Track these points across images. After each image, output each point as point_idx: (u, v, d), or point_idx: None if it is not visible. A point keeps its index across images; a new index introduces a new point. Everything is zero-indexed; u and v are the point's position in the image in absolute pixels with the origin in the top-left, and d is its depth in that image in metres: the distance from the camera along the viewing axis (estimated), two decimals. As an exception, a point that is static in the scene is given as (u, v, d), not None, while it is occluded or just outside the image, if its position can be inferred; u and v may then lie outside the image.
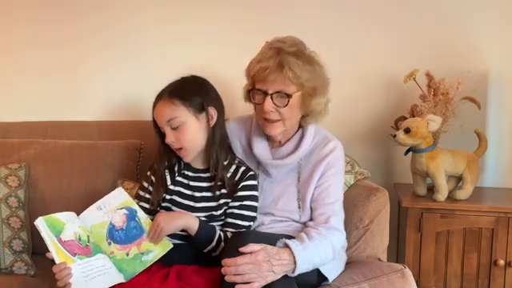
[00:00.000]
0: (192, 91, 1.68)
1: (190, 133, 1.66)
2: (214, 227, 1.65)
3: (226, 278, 1.46)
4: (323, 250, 1.59)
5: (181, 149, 1.67)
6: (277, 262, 1.49)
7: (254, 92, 1.69)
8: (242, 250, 1.47)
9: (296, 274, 1.52)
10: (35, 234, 1.98)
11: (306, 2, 2.36)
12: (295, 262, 1.50)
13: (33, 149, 2.08)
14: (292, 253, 1.51)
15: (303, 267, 1.52)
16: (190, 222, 1.61)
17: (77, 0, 2.39)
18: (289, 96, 1.64)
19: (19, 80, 2.42)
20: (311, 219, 1.71)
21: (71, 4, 2.39)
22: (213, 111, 1.70)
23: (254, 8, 2.36)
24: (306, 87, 1.65)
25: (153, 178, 1.76)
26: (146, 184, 1.77)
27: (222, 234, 1.65)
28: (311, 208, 1.72)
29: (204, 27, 2.39)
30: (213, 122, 1.70)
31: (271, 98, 1.64)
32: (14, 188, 1.95)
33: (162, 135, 1.69)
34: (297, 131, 1.78)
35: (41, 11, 2.39)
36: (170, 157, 1.74)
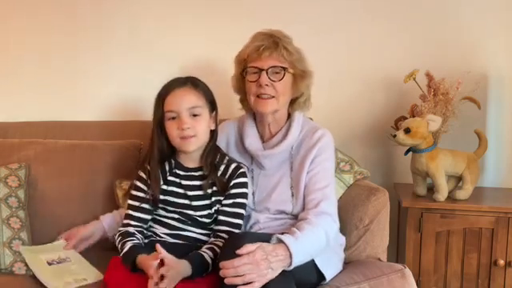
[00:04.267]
0: (209, 90, 1.74)
1: (204, 125, 1.70)
2: (204, 261, 1.61)
3: (226, 281, 1.46)
4: (316, 239, 1.60)
5: (192, 137, 1.67)
6: (274, 259, 1.49)
7: (247, 71, 1.75)
8: (239, 251, 1.47)
9: (293, 267, 1.52)
10: (35, 234, 1.98)
11: (306, 2, 2.36)
12: (291, 256, 1.51)
13: (33, 149, 2.08)
14: (287, 246, 1.51)
15: (299, 259, 1.53)
16: (184, 275, 1.57)
17: (77, 1, 2.40)
18: (285, 69, 1.71)
19: (19, 80, 2.42)
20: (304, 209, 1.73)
21: (71, 4, 2.39)
22: (217, 117, 1.76)
23: (255, 8, 2.37)
24: (296, 68, 1.74)
25: (144, 176, 1.74)
26: (139, 184, 1.75)
27: (210, 253, 1.63)
28: (304, 196, 1.74)
29: (204, 28, 2.39)
30: (215, 126, 1.75)
31: (266, 73, 1.71)
32: (14, 188, 1.95)
33: (162, 129, 1.70)
34: (285, 123, 1.82)
35: (40, 13, 2.39)
36: (163, 154, 1.74)
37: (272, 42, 1.71)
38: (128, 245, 1.67)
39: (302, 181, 1.74)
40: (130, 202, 1.75)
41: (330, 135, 1.81)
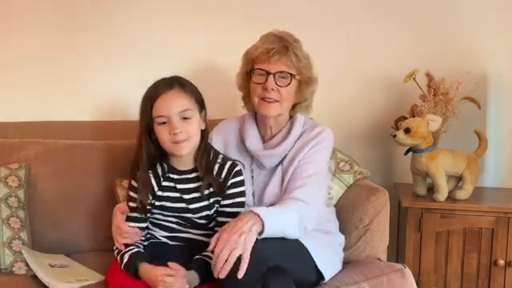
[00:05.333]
0: (196, 90, 1.70)
1: (196, 127, 1.66)
2: (209, 268, 1.57)
3: (221, 276, 1.45)
4: (286, 209, 1.60)
5: (185, 141, 1.64)
6: (241, 223, 1.48)
7: (254, 72, 1.74)
8: (210, 248, 1.48)
9: (268, 228, 1.50)
10: (35, 234, 1.99)
11: (306, 2, 2.36)
12: (259, 217, 1.50)
13: (33, 149, 2.08)
14: (250, 211, 1.52)
15: (270, 220, 1.50)
16: (193, 285, 1.59)
17: (77, 1, 2.40)
18: (292, 75, 1.71)
19: (19, 80, 2.41)
20: None
21: (71, 4, 2.39)
22: (206, 115, 1.72)
23: (255, 9, 2.36)
24: (303, 74, 1.74)
25: (137, 185, 1.71)
26: (133, 194, 1.72)
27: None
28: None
29: (205, 28, 2.39)
30: (205, 125, 1.72)
31: (274, 78, 1.70)
32: (14, 188, 1.95)
33: (149, 133, 1.66)
34: (286, 123, 1.82)
35: (40, 13, 2.39)
36: (152, 159, 1.70)
37: (282, 46, 1.70)
38: (126, 255, 1.66)
39: (290, 172, 1.73)
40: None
41: (330, 131, 1.81)
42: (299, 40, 1.77)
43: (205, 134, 1.72)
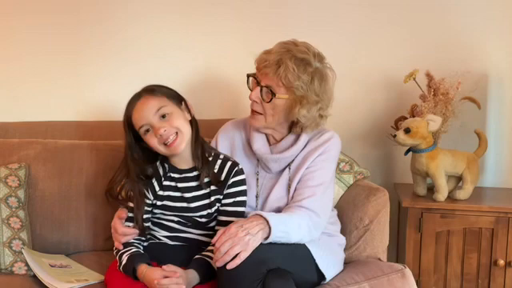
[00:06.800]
0: (165, 87, 1.73)
1: (179, 119, 1.68)
2: (210, 266, 1.61)
3: (217, 265, 1.47)
4: (295, 217, 1.60)
5: (175, 139, 1.65)
6: (250, 225, 1.50)
7: (251, 77, 1.73)
8: (214, 240, 1.49)
9: (274, 235, 1.51)
10: (35, 234, 1.99)
11: (306, 2, 2.36)
12: (268, 223, 1.51)
13: (33, 149, 2.08)
14: (260, 215, 1.53)
15: (277, 227, 1.52)
16: (193, 284, 1.60)
17: (77, 1, 2.40)
18: (273, 94, 1.67)
19: (19, 80, 2.41)
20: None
21: (71, 3, 2.39)
22: (188, 105, 1.73)
23: (257, 10, 2.36)
24: (295, 94, 1.67)
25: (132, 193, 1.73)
26: (131, 204, 1.74)
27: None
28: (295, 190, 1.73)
29: (207, 31, 2.39)
30: (192, 113, 1.73)
31: (260, 89, 1.68)
32: (14, 188, 1.95)
33: (135, 150, 1.70)
34: (288, 132, 1.79)
35: (40, 12, 2.39)
36: (149, 164, 1.73)
37: (277, 61, 1.65)
38: (125, 257, 1.67)
39: (297, 178, 1.73)
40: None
41: (338, 138, 1.79)
42: (313, 57, 1.68)
43: (193, 123, 1.73)
